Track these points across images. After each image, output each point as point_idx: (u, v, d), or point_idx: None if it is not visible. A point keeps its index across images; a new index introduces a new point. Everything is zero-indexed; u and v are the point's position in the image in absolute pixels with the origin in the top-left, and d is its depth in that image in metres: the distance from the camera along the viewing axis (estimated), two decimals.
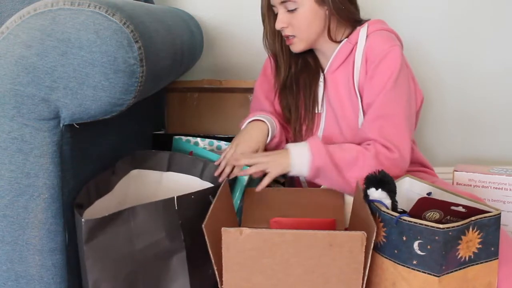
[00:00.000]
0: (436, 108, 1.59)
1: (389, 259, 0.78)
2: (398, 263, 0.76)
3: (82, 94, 0.76)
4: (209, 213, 0.80)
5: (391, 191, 0.82)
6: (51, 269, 0.82)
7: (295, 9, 1.03)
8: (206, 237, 0.76)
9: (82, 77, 0.75)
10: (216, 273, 0.78)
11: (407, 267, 0.76)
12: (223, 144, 1.23)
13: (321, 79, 1.12)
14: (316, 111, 1.12)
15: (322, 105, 1.12)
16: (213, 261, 0.77)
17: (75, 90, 0.76)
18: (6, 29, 0.75)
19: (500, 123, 1.59)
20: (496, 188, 1.17)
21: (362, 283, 0.75)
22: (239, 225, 1.03)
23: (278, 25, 1.05)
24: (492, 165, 1.33)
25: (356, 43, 1.07)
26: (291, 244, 0.75)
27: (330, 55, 1.11)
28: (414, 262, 0.75)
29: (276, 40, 1.13)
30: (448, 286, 0.74)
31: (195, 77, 1.51)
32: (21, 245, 0.80)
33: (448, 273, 0.74)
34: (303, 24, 1.04)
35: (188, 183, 1.05)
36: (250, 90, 1.36)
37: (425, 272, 0.74)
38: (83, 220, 0.76)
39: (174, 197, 0.83)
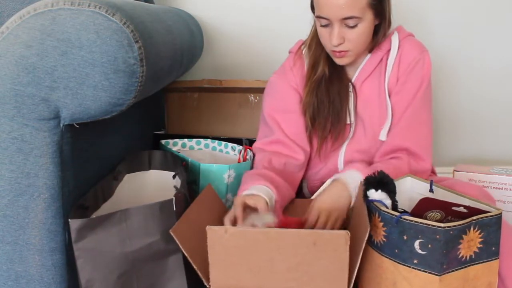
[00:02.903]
0: (436, 108, 1.59)
1: (390, 259, 0.78)
2: (398, 263, 0.76)
3: (82, 94, 0.76)
4: (181, 217, 0.81)
5: (391, 192, 0.82)
6: (51, 269, 0.82)
7: (355, 26, 0.98)
8: (177, 241, 0.77)
9: (82, 77, 0.75)
10: (198, 272, 0.79)
11: (407, 266, 0.75)
12: (209, 142, 1.30)
13: (350, 89, 1.08)
14: (348, 122, 1.09)
15: (352, 115, 1.09)
16: (191, 261, 0.78)
17: (75, 90, 0.76)
18: (6, 29, 0.75)
19: (500, 123, 1.59)
20: (496, 188, 1.17)
21: (349, 282, 0.75)
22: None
23: (336, 41, 0.98)
24: (492, 165, 1.33)
25: (388, 50, 1.06)
26: (275, 242, 0.75)
27: (358, 65, 1.09)
28: (415, 261, 0.75)
29: (319, 46, 1.08)
30: (449, 286, 0.74)
31: (195, 77, 1.51)
32: (21, 245, 0.80)
33: (449, 272, 0.74)
34: (361, 39, 1.00)
35: (168, 180, 1.06)
36: (250, 90, 1.36)
37: (426, 271, 0.74)
38: (69, 220, 0.78)
39: (172, 199, 0.83)
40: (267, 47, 1.55)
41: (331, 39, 0.99)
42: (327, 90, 1.07)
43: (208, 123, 1.39)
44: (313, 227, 0.96)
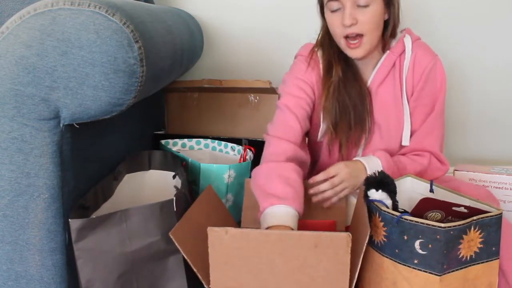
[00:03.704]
0: None
1: (390, 259, 0.78)
2: (399, 263, 0.76)
3: (82, 94, 0.76)
4: (181, 219, 0.81)
5: (392, 192, 0.82)
6: (51, 269, 0.82)
7: (366, 6, 0.98)
8: (176, 244, 0.77)
9: (82, 77, 0.75)
10: (198, 274, 0.79)
11: (408, 266, 0.75)
12: (209, 142, 1.31)
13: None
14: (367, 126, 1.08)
15: (369, 120, 1.08)
16: (190, 263, 0.78)
17: (75, 90, 0.76)
18: (6, 29, 0.75)
19: (500, 123, 1.59)
20: (497, 187, 1.17)
21: (350, 285, 0.75)
22: (239, 226, 1.03)
23: (348, 21, 0.97)
24: (493, 164, 1.33)
25: (401, 53, 1.06)
26: (276, 244, 0.75)
27: (371, 68, 1.08)
28: (415, 261, 0.75)
29: (332, 43, 1.07)
30: (449, 286, 0.74)
31: (195, 77, 1.51)
32: (21, 245, 0.80)
33: (449, 272, 0.74)
34: (372, 22, 0.99)
35: (168, 180, 1.06)
36: (250, 90, 1.36)
37: (426, 271, 0.74)
38: (70, 220, 0.78)
39: (172, 199, 0.83)
40: (267, 47, 1.55)
41: (343, 20, 0.98)
42: (348, 94, 1.06)
43: (208, 123, 1.39)
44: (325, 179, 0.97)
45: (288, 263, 0.75)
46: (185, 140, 1.31)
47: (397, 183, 0.84)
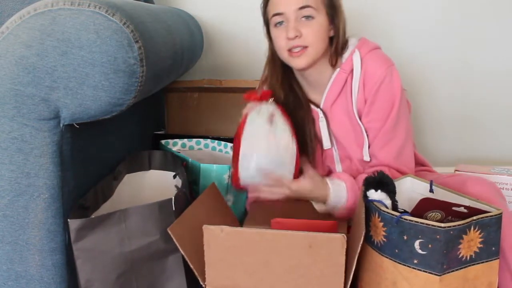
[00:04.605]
0: (436, 109, 1.59)
1: (390, 259, 0.78)
2: (398, 263, 0.76)
3: (82, 94, 0.76)
4: (181, 216, 0.81)
5: (391, 192, 0.82)
6: (51, 269, 0.82)
7: (311, 18, 0.97)
8: (174, 239, 0.77)
9: (82, 77, 0.75)
10: (195, 271, 0.79)
11: (408, 266, 0.75)
12: (209, 142, 1.32)
13: (321, 114, 1.07)
14: (327, 147, 1.08)
15: (330, 140, 1.07)
16: (188, 260, 0.78)
17: (75, 90, 0.76)
18: (6, 29, 0.76)
19: (500, 123, 1.59)
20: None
21: (345, 286, 0.75)
22: (241, 225, 1.03)
23: (292, 33, 0.97)
24: (493, 165, 1.32)
25: (351, 71, 1.03)
26: (271, 243, 0.75)
27: (323, 87, 1.06)
28: (415, 261, 0.75)
29: (276, 67, 1.08)
30: (449, 286, 0.74)
31: (195, 77, 1.51)
32: (21, 245, 0.80)
33: (449, 272, 0.74)
34: (316, 35, 0.98)
35: (168, 180, 1.06)
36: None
37: (426, 271, 0.74)
38: (69, 220, 0.78)
39: (171, 198, 0.83)
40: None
41: (287, 32, 0.98)
42: (292, 121, 1.04)
43: (208, 123, 1.39)
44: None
45: (283, 263, 0.75)
46: (185, 140, 1.31)
47: (396, 183, 0.84)
